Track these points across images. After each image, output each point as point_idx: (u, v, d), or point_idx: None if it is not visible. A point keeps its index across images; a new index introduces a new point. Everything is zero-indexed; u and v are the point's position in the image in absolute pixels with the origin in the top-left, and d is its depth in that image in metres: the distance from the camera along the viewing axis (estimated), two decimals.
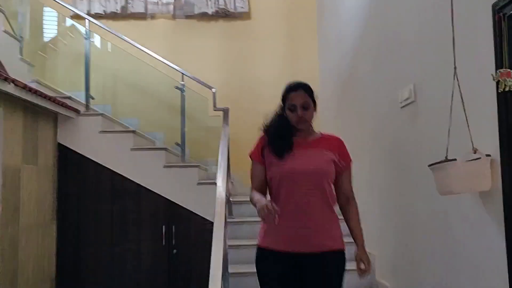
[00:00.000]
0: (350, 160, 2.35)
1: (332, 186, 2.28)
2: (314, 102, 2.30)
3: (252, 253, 2.32)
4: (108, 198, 4.73)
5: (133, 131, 4.89)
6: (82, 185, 4.72)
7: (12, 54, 4.42)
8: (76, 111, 4.74)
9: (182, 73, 5.08)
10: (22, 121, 4.03)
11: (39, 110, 4.28)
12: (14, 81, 3.56)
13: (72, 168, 4.72)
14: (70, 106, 4.64)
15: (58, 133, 4.70)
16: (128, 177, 4.71)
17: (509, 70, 1.94)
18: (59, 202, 4.67)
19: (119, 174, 4.70)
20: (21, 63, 4.62)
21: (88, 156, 4.71)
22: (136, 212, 4.72)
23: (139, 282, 4.68)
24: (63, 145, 4.70)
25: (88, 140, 4.75)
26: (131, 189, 4.71)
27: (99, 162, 4.70)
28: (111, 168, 4.70)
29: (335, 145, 2.32)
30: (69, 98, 4.84)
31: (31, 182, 4.17)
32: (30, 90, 3.86)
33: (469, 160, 2.10)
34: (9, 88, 3.54)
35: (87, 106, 4.90)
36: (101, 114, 4.88)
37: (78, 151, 4.71)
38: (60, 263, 4.64)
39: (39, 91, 4.10)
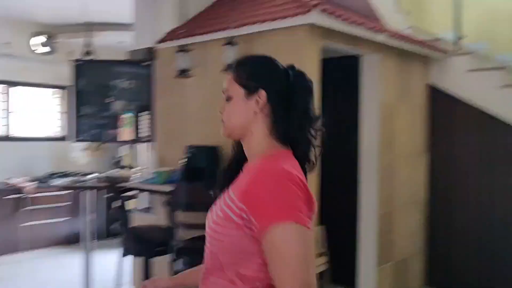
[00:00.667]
0: (270, 220, 1.11)
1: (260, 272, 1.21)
2: (254, 88, 1.30)
3: None
4: (474, 134, 4.90)
5: (503, 68, 4.81)
6: (450, 120, 5.05)
7: (388, 5, 4.99)
8: (444, 52, 5.02)
9: None
10: (395, 65, 4.65)
11: (411, 54, 4.79)
12: (385, 31, 4.17)
13: (441, 105, 5.09)
14: (438, 48, 4.96)
15: (428, 74, 5.13)
16: (496, 116, 4.70)
17: None
18: (430, 135, 5.17)
19: (485, 113, 4.75)
20: (397, 12, 5.17)
21: (455, 95, 4.95)
22: (503, 147, 4.72)
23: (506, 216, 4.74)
24: (432, 85, 5.11)
25: (455, 80, 4.98)
26: (499, 128, 4.70)
27: (466, 101, 4.88)
28: (477, 107, 4.80)
29: (244, 183, 1.22)
30: (439, 39, 5.15)
31: (403, 117, 4.80)
32: (400, 37, 4.41)
33: None
34: (381, 38, 4.18)
35: (455, 46, 5.10)
36: (469, 53, 4.99)
37: (446, 91, 5.02)
38: (431, 189, 5.18)
39: (408, 37, 4.60)
